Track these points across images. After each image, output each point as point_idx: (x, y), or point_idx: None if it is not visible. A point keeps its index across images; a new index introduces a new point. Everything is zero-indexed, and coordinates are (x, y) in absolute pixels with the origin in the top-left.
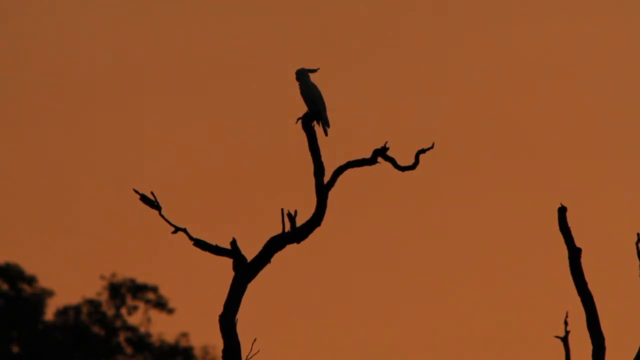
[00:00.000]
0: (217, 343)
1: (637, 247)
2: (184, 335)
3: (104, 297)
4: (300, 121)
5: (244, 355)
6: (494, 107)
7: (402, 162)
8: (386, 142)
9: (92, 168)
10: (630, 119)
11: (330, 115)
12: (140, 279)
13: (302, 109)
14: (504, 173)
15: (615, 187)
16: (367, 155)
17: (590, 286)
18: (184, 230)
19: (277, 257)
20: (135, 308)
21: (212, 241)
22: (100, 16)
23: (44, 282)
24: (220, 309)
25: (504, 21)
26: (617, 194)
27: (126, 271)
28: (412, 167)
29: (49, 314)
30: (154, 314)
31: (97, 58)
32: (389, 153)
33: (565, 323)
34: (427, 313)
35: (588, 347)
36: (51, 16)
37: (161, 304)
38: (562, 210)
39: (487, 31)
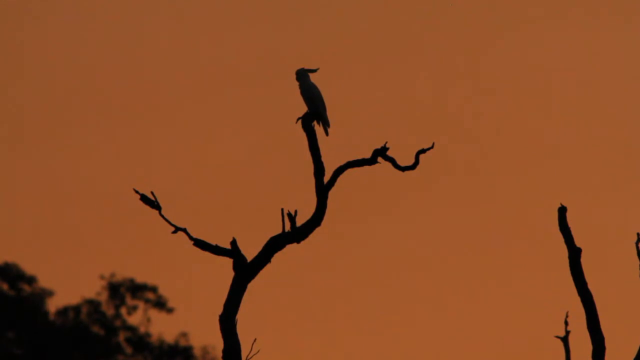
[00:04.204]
0: (217, 343)
1: (637, 247)
2: (184, 335)
3: (103, 297)
4: (300, 121)
5: (244, 355)
6: (493, 107)
7: (402, 162)
8: (386, 142)
9: (92, 168)
10: (630, 119)
11: (330, 115)
12: (140, 278)
13: (302, 109)
14: (504, 173)
15: (615, 187)
16: (367, 155)
17: (590, 286)
18: (184, 230)
19: (277, 257)
20: (134, 308)
21: (212, 241)
22: (102, 17)
23: (44, 282)
24: (220, 309)
25: (504, 21)
26: (617, 194)
27: (126, 271)
28: (412, 167)
29: (49, 314)
30: (154, 313)
31: (97, 59)
32: (389, 153)
33: (566, 323)
34: (427, 313)
35: (588, 347)
36: (52, 16)
37: (161, 304)
38: (562, 210)
39: (486, 31)
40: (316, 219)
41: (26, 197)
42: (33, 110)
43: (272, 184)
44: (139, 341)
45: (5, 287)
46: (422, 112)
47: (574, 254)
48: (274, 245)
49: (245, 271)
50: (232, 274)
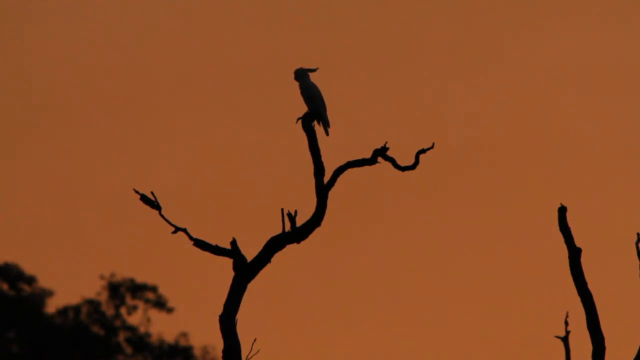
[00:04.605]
0: (217, 343)
1: (637, 247)
2: (184, 335)
3: (103, 297)
4: (300, 121)
5: (244, 355)
6: (493, 107)
7: (402, 162)
8: (386, 142)
9: (92, 168)
10: (630, 119)
11: (330, 115)
12: (140, 278)
13: (302, 109)
14: (504, 173)
15: (615, 187)
16: (367, 155)
17: (590, 286)
18: (184, 230)
19: (277, 257)
20: (134, 308)
21: (212, 241)
22: (102, 16)
23: (43, 282)
24: (220, 309)
25: (504, 21)
26: (617, 194)
27: (126, 271)
28: (412, 167)
29: (49, 315)
30: (154, 313)
31: (98, 58)
32: (389, 153)
33: (566, 323)
34: (427, 313)
35: (588, 347)
36: (52, 15)
37: (161, 304)
38: (562, 210)
39: (486, 31)
40: (316, 219)
41: (26, 197)
42: (33, 110)
43: (272, 184)
44: (139, 341)
45: (5, 287)
46: (422, 112)
47: (574, 254)
48: (274, 245)
49: (245, 271)
50: (232, 274)
